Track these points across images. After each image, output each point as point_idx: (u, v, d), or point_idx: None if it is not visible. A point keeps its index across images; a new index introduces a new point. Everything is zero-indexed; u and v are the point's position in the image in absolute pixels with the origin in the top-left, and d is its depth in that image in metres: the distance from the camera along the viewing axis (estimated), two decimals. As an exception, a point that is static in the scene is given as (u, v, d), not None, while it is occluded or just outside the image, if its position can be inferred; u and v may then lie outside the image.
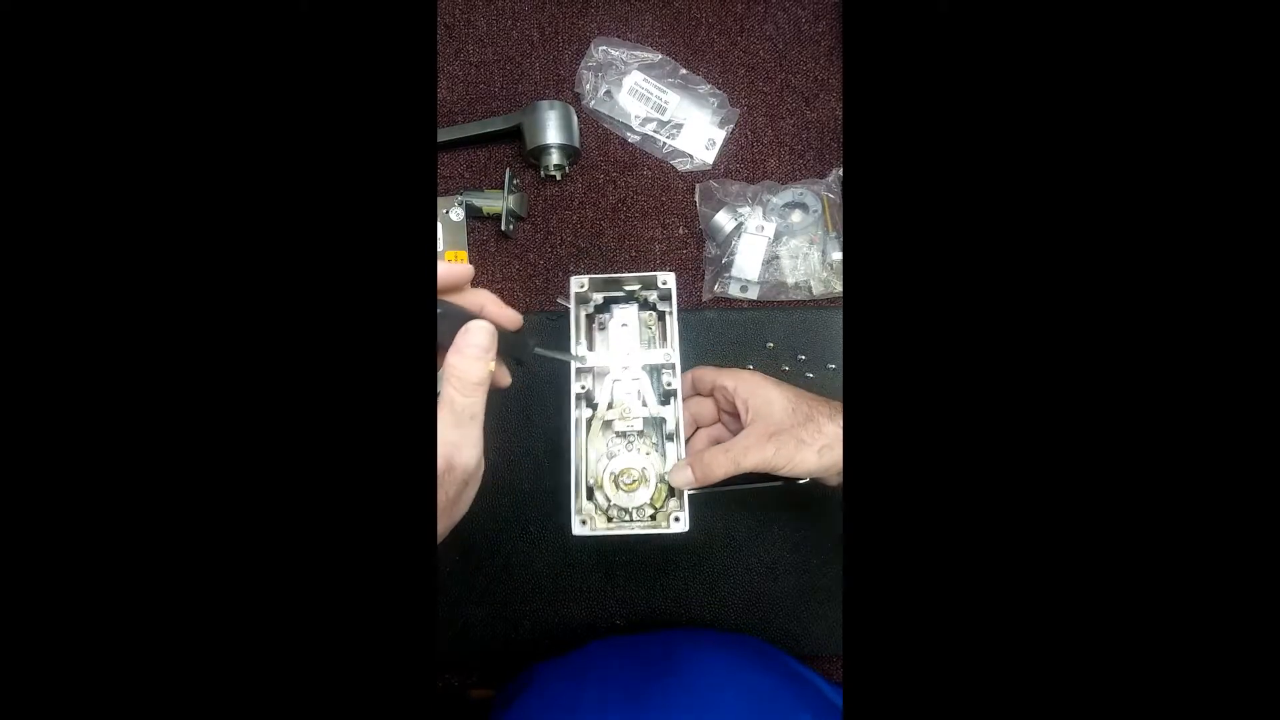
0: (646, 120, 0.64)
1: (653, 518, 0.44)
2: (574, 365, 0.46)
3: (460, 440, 0.32)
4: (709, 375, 0.47)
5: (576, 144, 0.62)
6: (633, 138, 0.64)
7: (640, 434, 0.46)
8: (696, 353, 0.60)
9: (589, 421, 0.46)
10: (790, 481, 0.54)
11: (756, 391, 0.43)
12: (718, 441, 0.45)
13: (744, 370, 0.46)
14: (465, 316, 0.34)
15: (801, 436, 0.41)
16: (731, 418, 0.47)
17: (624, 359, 0.47)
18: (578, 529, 0.43)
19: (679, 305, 0.47)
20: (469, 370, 0.33)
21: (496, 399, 0.63)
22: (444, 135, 0.63)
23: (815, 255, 0.62)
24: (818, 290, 0.61)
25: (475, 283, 0.36)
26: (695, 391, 0.48)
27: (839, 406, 0.43)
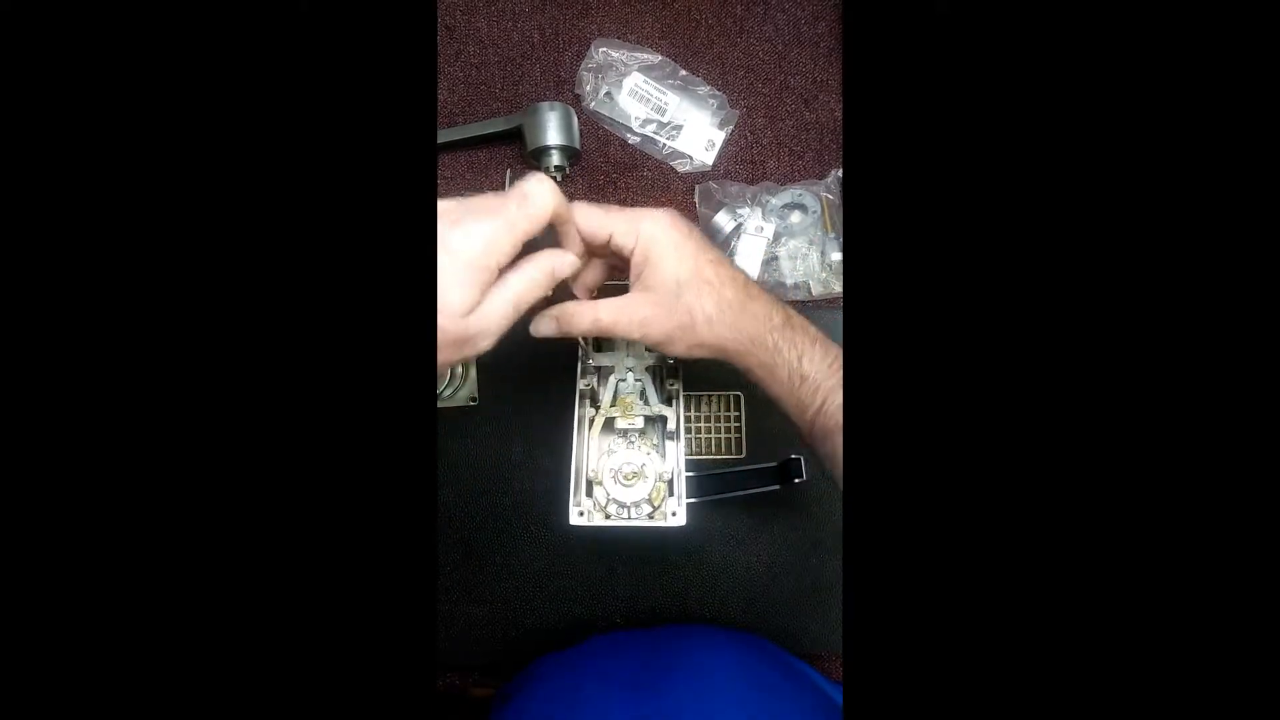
0: (646, 121, 0.64)
1: (650, 516, 0.44)
2: (579, 363, 0.47)
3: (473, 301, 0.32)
4: (596, 219, 0.37)
5: (577, 145, 0.62)
6: (633, 139, 0.65)
7: (641, 433, 0.47)
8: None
9: (591, 419, 0.47)
10: (788, 484, 0.54)
11: (652, 250, 0.36)
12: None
13: (642, 214, 0.37)
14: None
15: (671, 330, 0.37)
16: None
17: (628, 359, 0.48)
18: (574, 519, 0.43)
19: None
20: (541, 268, 0.35)
21: (498, 396, 0.62)
22: (444, 136, 0.63)
23: (814, 256, 0.62)
24: (817, 291, 0.62)
25: None
26: (587, 249, 0.39)
27: (730, 295, 0.37)
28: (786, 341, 0.37)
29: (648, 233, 0.36)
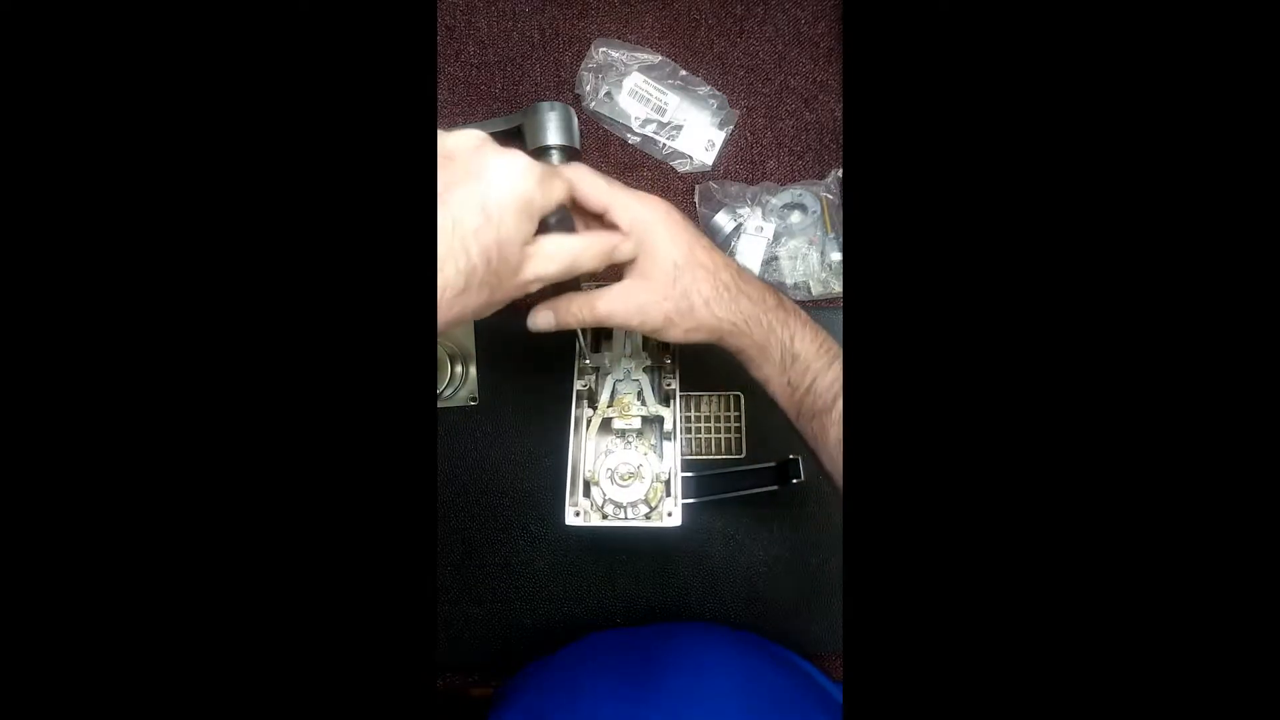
0: (646, 122, 0.64)
1: (646, 517, 0.44)
2: (577, 363, 0.47)
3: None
4: (600, 190, 0.36)
5: (577, 145, 0.62)
6: (633, 139, 0.65)
7: (638, 433, 0.47)
8: (694, 352, 0.60)
9: (588, 420, 0.47)
10: (786, 484, 0.54)
11: (648, 236, 0.36)
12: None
13: (642, 199, 0.37)
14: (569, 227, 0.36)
15: (670, 313, 0.36)
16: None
17: (626, 360, 0.48)
18: (570, 519, 0.43)
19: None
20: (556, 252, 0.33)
21: (498, 396, 0.62)
22: (444, 136, 0.63)
23: (814, 256, 0.62)
24: (817, 291, 0.62)
25: None
26: (575, 205, 0.37)
27: (726, 278, 0.37)
28: (780, 322, 0.38)
29: (643, 217, 0.36)
